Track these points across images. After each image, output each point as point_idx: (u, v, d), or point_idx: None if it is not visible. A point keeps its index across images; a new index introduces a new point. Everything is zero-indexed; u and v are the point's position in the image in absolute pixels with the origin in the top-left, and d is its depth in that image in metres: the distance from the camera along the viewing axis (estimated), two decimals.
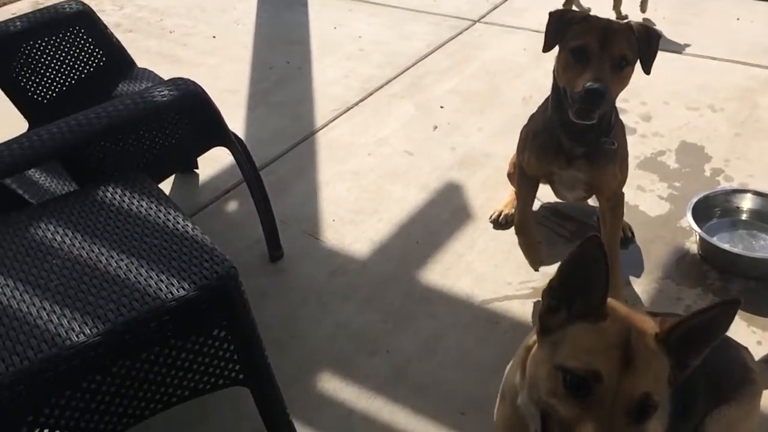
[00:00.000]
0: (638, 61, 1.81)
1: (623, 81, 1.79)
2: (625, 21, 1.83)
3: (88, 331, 1.31)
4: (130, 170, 1.88)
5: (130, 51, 2.68)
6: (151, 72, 2.54)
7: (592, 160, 1.93)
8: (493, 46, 3.75)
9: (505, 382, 1.29)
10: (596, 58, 1.72)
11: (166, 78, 2.56)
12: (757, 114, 2.94)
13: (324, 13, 4.28)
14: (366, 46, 3.86)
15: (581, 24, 1.76)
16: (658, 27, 3.66)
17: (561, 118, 1.88)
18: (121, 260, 1.49)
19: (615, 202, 2.06)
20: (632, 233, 2.33)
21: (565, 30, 1.79)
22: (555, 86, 1.89)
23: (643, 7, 3.78)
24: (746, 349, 1.49)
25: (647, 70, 1.83)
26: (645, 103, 3.07)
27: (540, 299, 1.20)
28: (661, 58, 3.49)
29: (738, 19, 3.75)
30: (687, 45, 3.51)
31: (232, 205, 2.69)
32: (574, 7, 3.79)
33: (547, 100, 1.98)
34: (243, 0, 4.51)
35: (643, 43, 1.79)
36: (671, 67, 3.34)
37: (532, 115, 2.10)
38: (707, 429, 1.37)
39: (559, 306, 1.09)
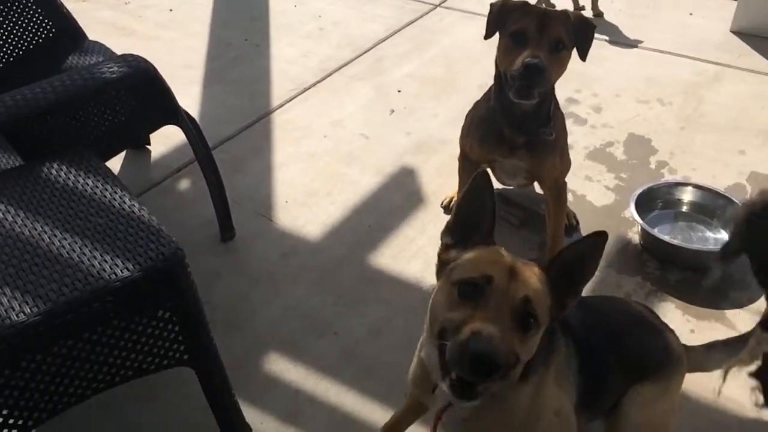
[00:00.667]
0: (575, 49, 1.89)
1: (560, 64, 1.87)
2: (562, 10, 1.91)
3: (29, 310, 1.30)
4: (77, 147, 1.84)
5: (82, 21, 2.61)
6: (102, 45, 2.48)
7: (533, 150, 2.00)
8: (453, 31, 3.76)
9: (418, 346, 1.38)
10: (534, 40, 1.81)
11: (118, 52, 2.51)
12: (702, 108, 3.03)
13: None
14: (326, 26, 3.84)
15: (520, 10, 1.85)
16: (614, 19, 3.74)
17: (503, 106, 1.95)
18: (65, 239, 1.47)
19: (557, 190, 2.14)
20: (577, 221, 2.40)
21: (505, 18, 1.86)
22: (497, 74, 1.96)
23: (595, 6, 3.81)
24: (672, 331, 1.56)
25: (583, 57, 1.94)
26: (596, 94, 3.14)
27: None
28: (615, 51, 3.58)
29: (691, 14, 3.84)
30: (640, 39, 3.58)
31: (184, 184, 2.66)
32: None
33: (490, 89, 2.04)
34: None
35: (579, 32, 1.88)
36: (624, 60, 3.42)
37: (477, 102, 2.15)
38: (623, 406, 1.46)
39: (455, 243, 1.24)
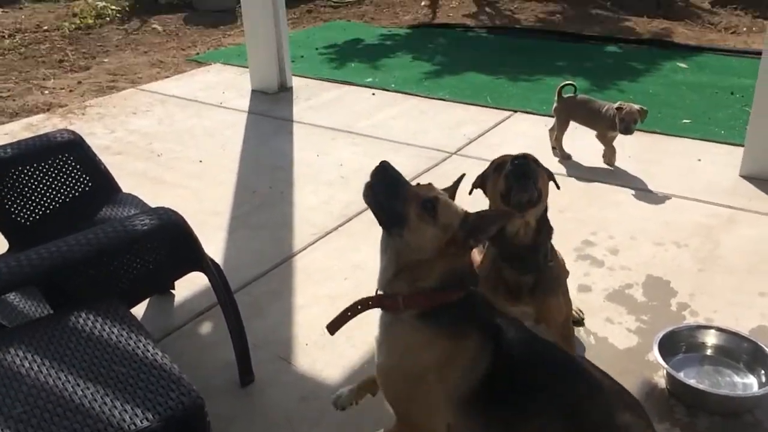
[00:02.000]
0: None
1: (544, 185, 2.08)
2: (526, 154, 2.13)
3: None
4: (106, 295, 1.90)
5: (117, 173, 2.78)
6: (135, 197, 2.62)
7: (537, 293, 2.07)
8: (468, 178, 3.90)
9: None
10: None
11: (150, 201, 2.65)
12: (719, 251, 3.06)
13: (308, 140, 4.47)
14: (347, 173, 4.02)
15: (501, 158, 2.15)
16: (626, 166, 3.87)
17: (501, 248, 2.09)
18: (87, 388, 1.49)
19: (565, 331, 2.17)
20: (583, 316, 2.52)
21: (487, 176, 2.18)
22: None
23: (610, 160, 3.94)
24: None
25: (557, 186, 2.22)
26: (612, 237, 3.19)
27: None
28: (628, 195, 3.67)
29: (699, 160, 3.97)
30: (652, 184, 3.69)
31: (206, 327, 2.69)
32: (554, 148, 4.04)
33: (487, 248, 2.18)
34: (231, 126, 4.72)
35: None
36: (637, 204, 3.51)
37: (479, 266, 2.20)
38: None
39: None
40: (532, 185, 2.01)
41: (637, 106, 3.70)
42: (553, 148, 4.09)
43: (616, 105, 3.74)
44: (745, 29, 6.72)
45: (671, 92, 5.08)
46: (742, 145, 3.77)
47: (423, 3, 8.40)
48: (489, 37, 6.95)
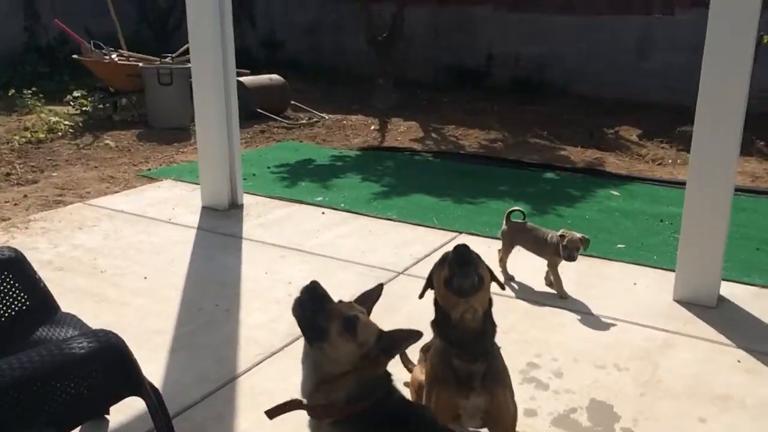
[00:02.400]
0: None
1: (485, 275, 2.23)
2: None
3: None
4: (37, 422, 1.81)
5: (58, 290, 2.72)
6: (74, 317, 2.55)
7: (488, 382, 2.19)
8: (415, 297, 3.95)
9: None
10: None
11: (90, 320, 2.58)
12: (659, 375, 3.13)
13: (257, 257, 4.48)
14: (295, 291, 3.95)
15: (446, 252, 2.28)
16: (567, 288, 3.99)
17: (449, 337, 2.22)
18: None
19: None
20: None
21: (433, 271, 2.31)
22: (437, 317, 2.26)
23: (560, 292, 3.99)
24: None
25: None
26: (556, 359, 3.24)
27: None
28: (569, 317, 3.77)
29: (635, 284, 4.14)
30: (592, 306, 3.81)
31: None
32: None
33: (435, 346, 2.32)
34: (179, 242, 4.70)
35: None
36: (578, 326, 3.60)
37: (432, 372, 2.34)
38: None
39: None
40: (473, 271, 2.16)
41: (579, 235, 3.88)
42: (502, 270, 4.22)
43: (559, 233, 3.91)
44: (670, 161, 7.24)
45: (606, 218, 5.36)
46: (674, 270, 3.96)
47: (372, 127, 8.77)
48: (435, 161, 7.26)
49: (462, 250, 2.19)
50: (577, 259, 3.87)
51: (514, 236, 4.14)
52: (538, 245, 4.04)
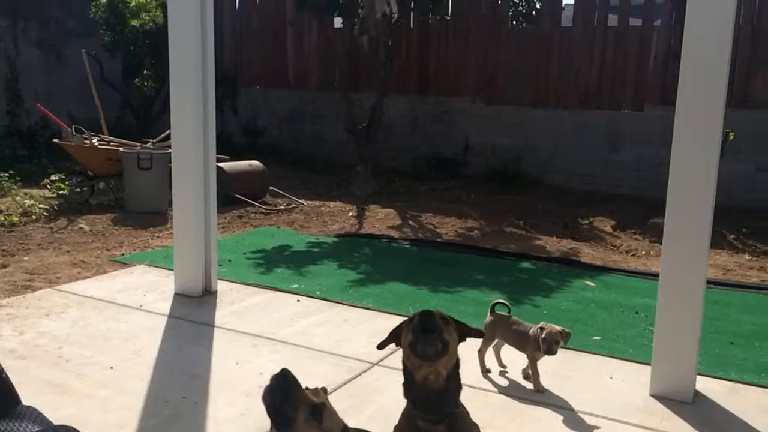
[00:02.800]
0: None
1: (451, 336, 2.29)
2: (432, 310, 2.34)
3: None
4: None
5: (20, 380, 2.60)
6: (35, 410, 2.43)
7: None
8: (390, 389, 3.86)
9: None
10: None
11: (52, 413, 2.47)
12: None
13: (229, 347, 4.38)
14: (266, 383, 3.89)
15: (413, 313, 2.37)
16: (543, 381, 3.94)
17: (413, 396, 2.31)
18: None
19: None
20: None
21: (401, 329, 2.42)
22: (404, 377, 2.35)
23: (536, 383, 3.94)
24: None
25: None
26: None
27: None
28: (546, 412, 3.69)
29: (611, 377, 4.09)
30: (569, 401, 3.75)
31: None
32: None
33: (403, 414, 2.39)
34: (149, 330, 4.59)
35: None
36: (556, 421, 3.53)
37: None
38: None
39: None
40: (436, 338, 2.23)
41: (558, 328, 3.85)
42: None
43: (539, 325, 3.88)
44: (644, 252, 7.34)
45: (582, 309, 5.36)
46: (650, 364, 3.94)
47: (350, 213, 8.84)
48: (412, 249, 7.29)
49: (426, 317, 2.26)
50: (557, 353, 3.83)
51: (496, 328, 4.09)
52: (519, 339, 4.00)
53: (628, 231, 8.22)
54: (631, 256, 7.28)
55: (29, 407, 2.50)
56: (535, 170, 11.08)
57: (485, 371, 4.08)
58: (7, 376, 2.57)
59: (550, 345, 3.79)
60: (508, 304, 4.19)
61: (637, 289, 5.92)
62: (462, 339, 2.42)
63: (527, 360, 3.98)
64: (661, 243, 4.02)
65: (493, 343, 4.13)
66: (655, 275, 4.53)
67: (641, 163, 10.30)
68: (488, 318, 4.13)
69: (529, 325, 4.02)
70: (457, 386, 2.36)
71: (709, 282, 4.59)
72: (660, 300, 3.87)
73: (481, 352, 4.13)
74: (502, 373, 4.09)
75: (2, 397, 2.50)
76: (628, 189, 10.27)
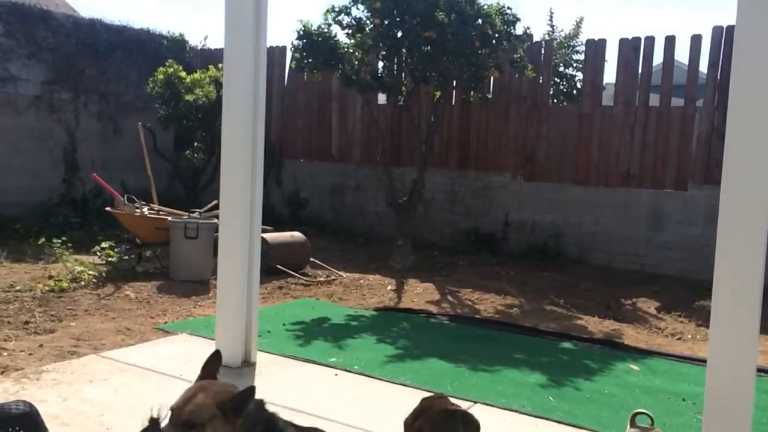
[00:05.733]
0: None
1: None
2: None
3: None
4: None
5: None
6: None
7: None
8: None
9: None
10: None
11: None
12: None
13: None
14: None
15: None
16: None
17: None
18: None
19: None
20: None
21: None
22: None
23: None
24: None
25: None
26: None
27: None
28: None
29: None
30: None
31: None
32: None
33: None
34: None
35: None
36: None
37: None
38: None
39: None
40: None
41: None
42: None
43: None
44: (690, 336, 7.14)
45: (626, 394, 5.21)
46: None
47: (389, 287, 8.85)
48: (450, 325, 7.23)
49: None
50: None
51: None
52: None
53: (673, 313, 8.02)
54: (677, 339, 7.09)
55: None
56: (575, 248, 10.99)
57: None
58: None
59: None
60: (649, 414, 3.72)
61: (683, 375, 5.74)
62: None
63: None
64: (708, 327, 3.94)
65: None
66: (703, 360, 4.41)
67: (685, 243, 10.14)
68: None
69: None
70: None
71: (759, 370, 4.44)
72: (708, 387, 3.76)
73: None
74: None
75: None
76: (672, 270, 10.07)
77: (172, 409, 2.16)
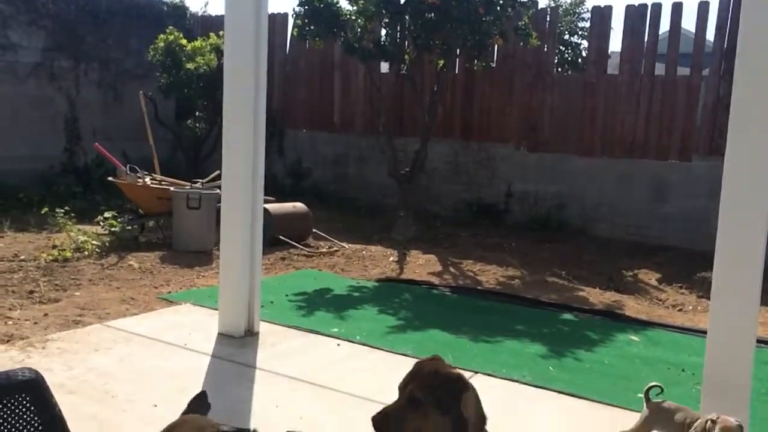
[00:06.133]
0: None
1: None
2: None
3: None
4: None
5: (67, 415, 2.67)
6: None
7: None
8: None
9: None
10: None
11: None
12: None
13: (269, 390, 4.43)
14: (305, 428, 3.92)
15: None
16: None
17: None
18: None
19: None
20: None
21: None
22: None
23: None
24: None
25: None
26: None
27: None
28: None
29: None
30: None
31: None
32: None
33: None
34: (192, 369, 4.67)
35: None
36: None
37: None
38: None
39: None
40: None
41: (734, 420, 3.13)
42: None
43: (709, 416, 3.21)
44: (691, 307, 7.17)
45: (626, 365, 5.25)
46: None
47: (391, 258, 8.88)
48: (452, 296, 7.27)
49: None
50: None
51: (655, 420, 3.58)
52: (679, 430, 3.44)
53: (675, 285, 8.05)
54: (678, 311, 7.12)
55: None
56: (578, 219, 10.98)
57: None
58: (60, 412, 2.66)
59: None
60: (660, 385, 3.69)
61: (683, 346, 5.78)
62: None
63: None
64: (708, 298, 3.96)
65: None
66: (703, 332, 4.44)
67: (688, 215, 10.12)
68: (645, 409, 3.65)
69: (692, 413, 3.45)
70: None
71: (759, 341, 4.46)
72: (708, 358, 3.79)
73: None
74: None
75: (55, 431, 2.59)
76: (674, 241, 10.07)
77: None
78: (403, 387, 2.14)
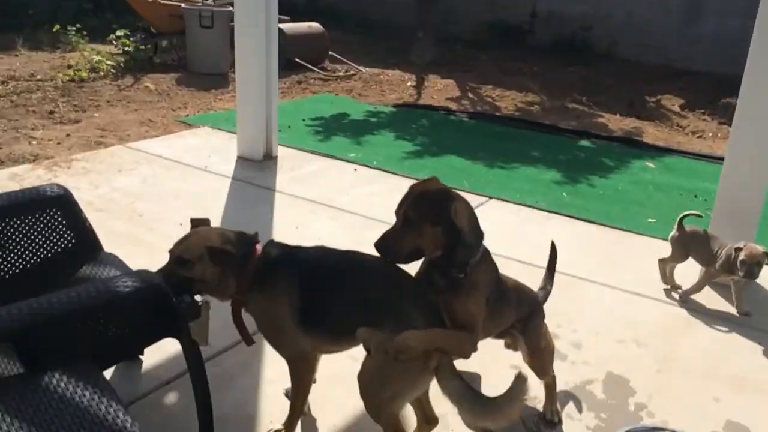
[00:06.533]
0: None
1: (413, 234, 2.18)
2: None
3: None
4: (79, 357, 1.93)
5: (97, 230, 2.81)
6: (116, 257, 2.67)
7: (447, 294, 2.21)
8: None
9: None
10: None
11: (127, 262, 2.69)
12: (677, 352, 3.17)
13: (289, 212, 4.57)
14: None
15: None
16: (591, 260, 4.00)
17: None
18: None
19: (468, 327, 2.22)
20: (560, 419, 2.64)
21: None
22: None
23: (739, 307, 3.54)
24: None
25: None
26: (576, 331, 3.30)
27: None
28: (593, 288, 3.77)
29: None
30: (616, 280, 3.83)
31: (171, 397, 2.70)
32: None
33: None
34: (214, 191, 4.81)
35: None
36: (602, 299, 3.63)
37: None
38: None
39: None
40: (390, 252, 2.22)
41: (761, 248, 3.31)
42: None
43: (736, 244, 3.39)
44: (711, 134, 7.09)
45: (639, 190, 5.32)
46: None
47: (409, 83, 8.72)
48: (470, 122, 7.22)
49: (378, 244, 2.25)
50: (758, 277, 3.32)
51: (687, 246, 3.66)
52: (707, 258, 3.58)
53: (697, 111, 7.90)
54: (697, 137, 7.05)
55: (111, 254, 2.73)
56: (604, 42, 10.54)
57: (676, 287, 3.73)
58: (90, 224, 2.79)
59: (751, 267, 3.28)
60: (699, 213, 3.73)
61: (698, 172, 5.80)
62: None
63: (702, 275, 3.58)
64: (730, 124, 3.87)
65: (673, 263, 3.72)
66: (720, 158, 4.42)
67: (720, 37, 9.64)
68: (676, 233, 3.70)
69: (722, 241, 3.53)
70: (464, 251, 2.19)
71: None
72: (721, 185, 3.81)
73: (671, 273, 3.77)
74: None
75: (87, 244, 2.74)
76: (703, 65, 9.70)
77: (170, 251, 2.31)
78: (399, 210, 2.22)
